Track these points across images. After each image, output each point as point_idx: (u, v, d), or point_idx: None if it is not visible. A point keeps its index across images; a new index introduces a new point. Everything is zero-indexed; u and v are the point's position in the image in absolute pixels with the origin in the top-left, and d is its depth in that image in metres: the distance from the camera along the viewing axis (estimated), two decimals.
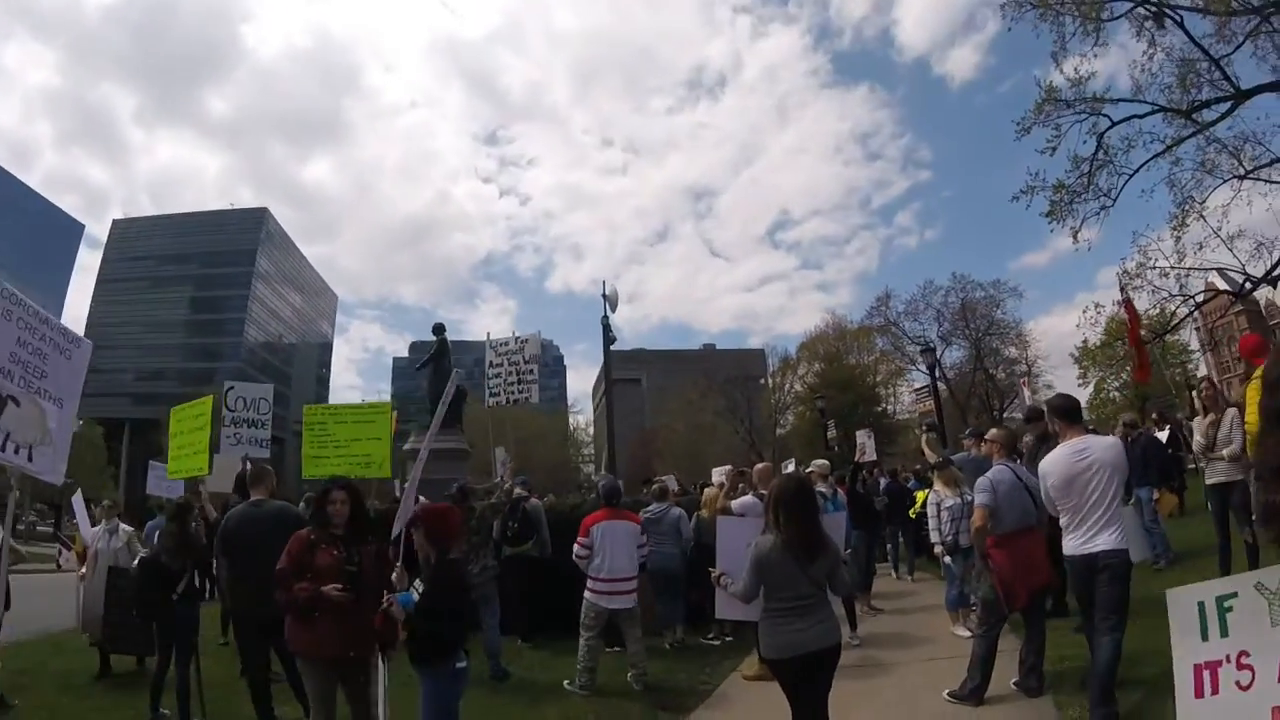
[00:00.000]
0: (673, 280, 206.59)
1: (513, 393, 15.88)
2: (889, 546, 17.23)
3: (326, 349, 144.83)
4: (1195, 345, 53.38)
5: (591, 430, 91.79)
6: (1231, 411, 8.21)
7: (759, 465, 10.27)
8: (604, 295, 20.96)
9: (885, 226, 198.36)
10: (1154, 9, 19.57)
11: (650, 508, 10.55)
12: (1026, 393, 27.09)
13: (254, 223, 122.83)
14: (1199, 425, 8.61)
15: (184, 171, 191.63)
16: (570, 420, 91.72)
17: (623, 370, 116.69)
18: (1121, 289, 19.19)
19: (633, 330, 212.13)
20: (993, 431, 7.97)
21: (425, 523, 5.17)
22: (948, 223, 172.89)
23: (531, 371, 15.83)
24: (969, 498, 8.55)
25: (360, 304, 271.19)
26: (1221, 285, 24.01)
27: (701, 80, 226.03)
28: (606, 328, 21.12)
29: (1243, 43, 19.48)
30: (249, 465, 10.24)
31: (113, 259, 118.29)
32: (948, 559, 9.56)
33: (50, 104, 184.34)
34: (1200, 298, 22.66)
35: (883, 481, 19.31)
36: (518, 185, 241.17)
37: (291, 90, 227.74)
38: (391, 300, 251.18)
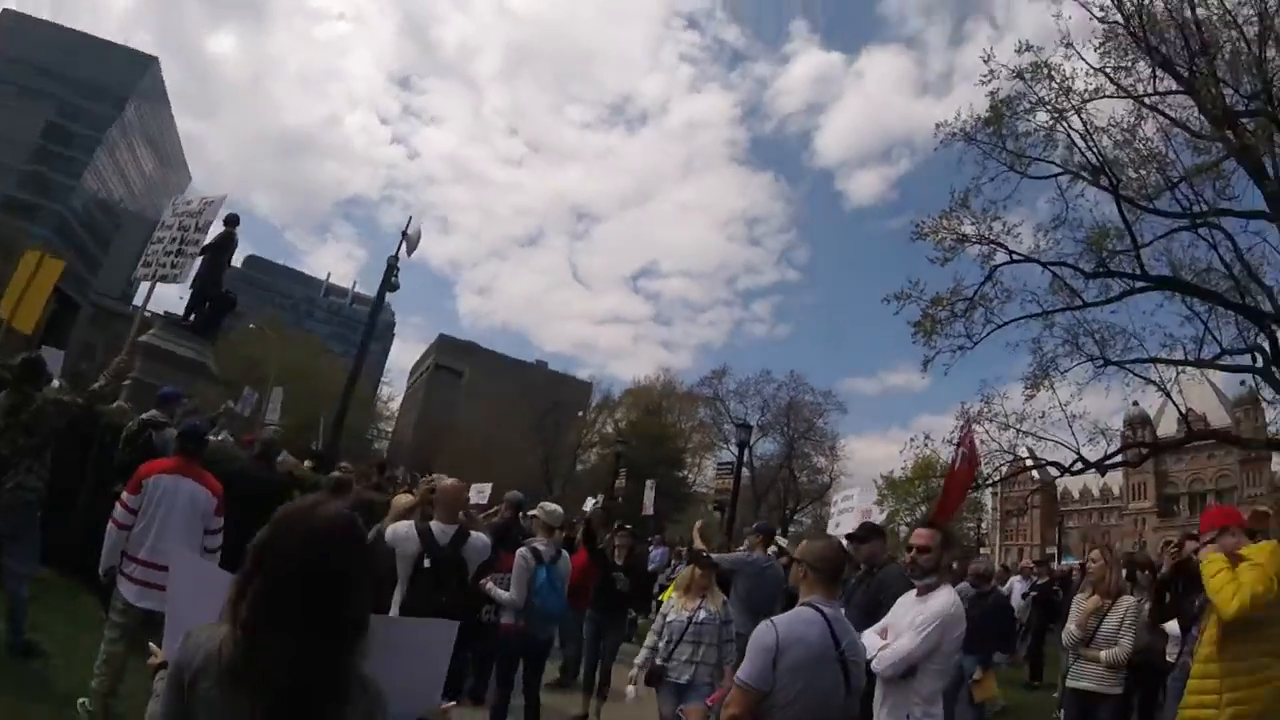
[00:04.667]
0: (529, 288, 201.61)
1: (164, 267, 11.11)
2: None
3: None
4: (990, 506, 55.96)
5: (395, 405, 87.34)
6: (1127, 602, 6.56)
7: (447, 482, 6.75)
8: (404, 233, 18.52)
9: (743, 309, 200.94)
10: (1090, 176, 20.05)
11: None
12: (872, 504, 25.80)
13: (139, 69, 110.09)
14: (1079, 606, 6.79)
15: None
16: (383, 391, 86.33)
17: (449, 357, 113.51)
18: (965, 429, 18.32)
19: (474, 321, 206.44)
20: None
21: None
22: (800, 326, 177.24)
23: (196, 243, 11.24)
24: (713, 617, 6.62)
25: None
26: (1030, 462, 23.84)
27: (625, 109, 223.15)
28: (392, 267, 18.58)
29: (1161, 237, 20.28)
30: None
31: None
32: (630, 689, 6.90)
33: None
34: (1029, 461, 23.07)
35: (654, 552, 17.66)
36: (412, 138, 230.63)
37: None
38: (243, 205, 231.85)
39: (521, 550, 7.03)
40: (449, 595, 5.51)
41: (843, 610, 6.15)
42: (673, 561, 16.80)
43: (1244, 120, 18.50)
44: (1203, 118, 19.19)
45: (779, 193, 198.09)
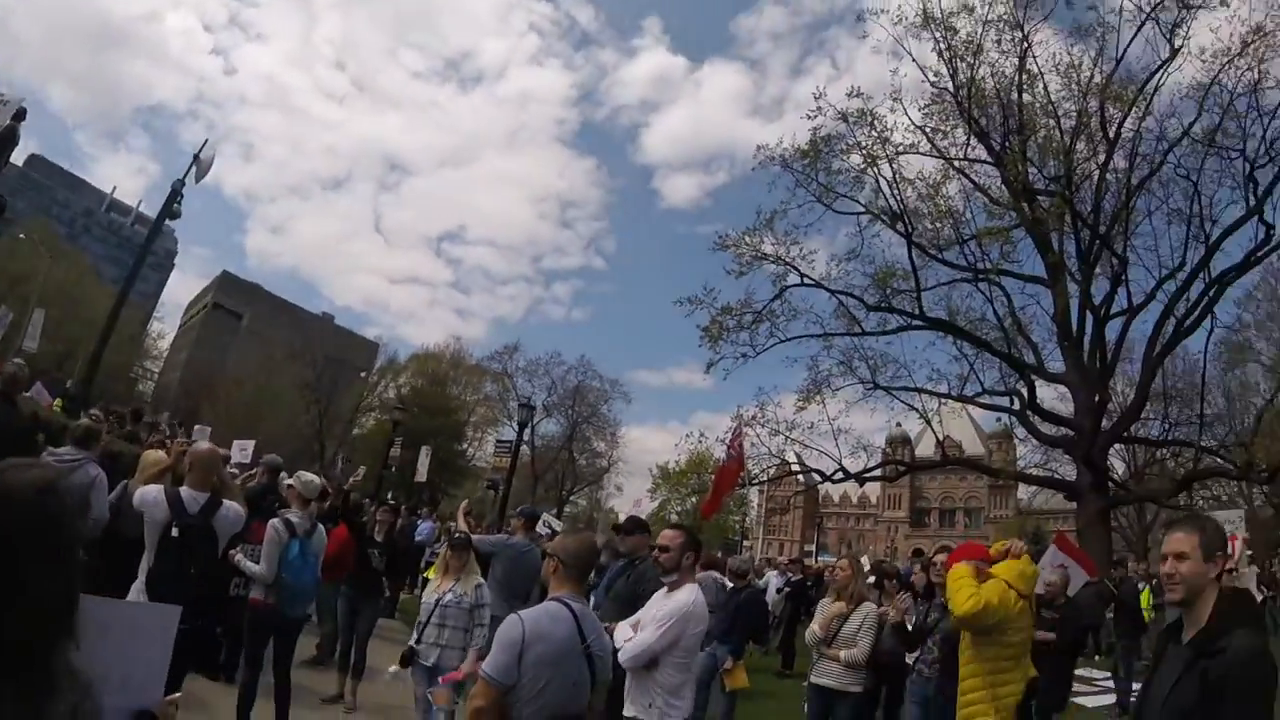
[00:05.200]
0: (326, 233, 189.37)
1: None
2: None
3: None
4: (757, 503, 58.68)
5: (165, 344, 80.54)
6: (868, 608, 6.96)
7: (202, 446, 6.00)
8: (196, 155, 16.96)
9: (544, 288, 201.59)
10: (889, 220, 21.81)
11: (64, 450, 6.66)
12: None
13: None
14: (823, 610, 7.18)
15: None
16: (153, 326, 78.71)
17: (230, 297, 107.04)
18: (737, 431, 19.47)
19: (262, 261, 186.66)
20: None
21: None
22: (597, 313, 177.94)
23: None
24: (459, 599, 6.47)
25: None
26: (795, 467, 25.65)
27: (462, 66, 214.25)
28: (176, 193, 16.99)
29: (944, 284, 22.77)
30: None
31: None
32: (392, 669, 6.69)
33: None
34: (796, 466, 24.97)
35: (422, 525, 17.17)
36: (233, 52, 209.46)
37: None
38: (36, 95, 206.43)
39: (274, 522, 6.63)
40: (198, 566, 5.21)
41: (604, 597, 6.26)
42: (441, 536, 16.39)
43: (1041, 198, 20.82)
44: (1004, 188, 21.36)
45: (598, 180, 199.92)
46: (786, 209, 22.08)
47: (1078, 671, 13.20)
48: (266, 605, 6.45)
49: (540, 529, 11.88)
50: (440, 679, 6.07)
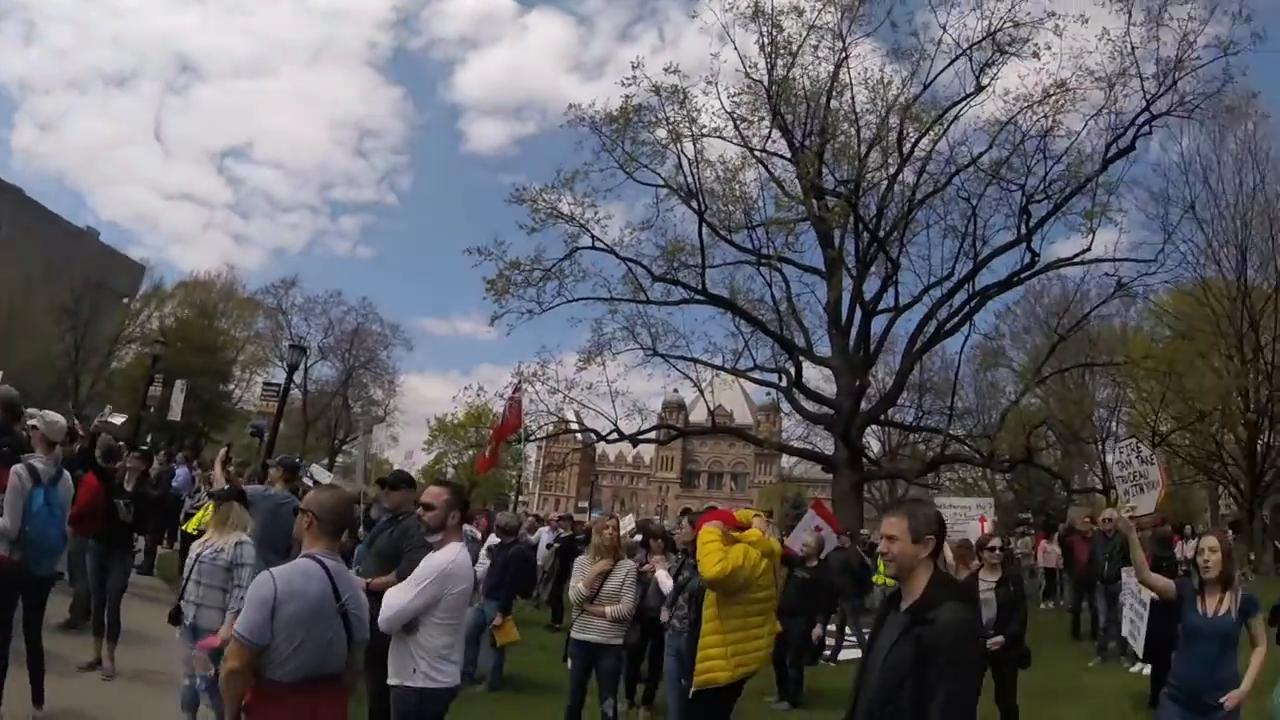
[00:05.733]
0: (99, 135, 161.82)
1: None
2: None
3: None
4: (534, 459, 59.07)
5: None
6: (628, 565, 7.29)
7: None
8: None
9: (329, 220, 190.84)
10: (684, 197, 22.64)
11: None
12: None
13: None
14: (582, 567, 7.35)
15: None
16: None
17: None
18: (517, 387, 20.17)
19: (26, 162, 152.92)
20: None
21: None
22: (385, 252, 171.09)
23: None
24: (214, 555, 6.01)
25: None
26: (574, 425, 26.69)
27: None
28: None
29: (729, 264, 24.04)
30: None
31: None
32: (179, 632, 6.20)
33: None
34: (574, 425, 26.04)
35: (178, 471, 16.08)
36: None
37: None
38: None
39: (17, 468, 5.94)
40: None
41: (366, 551, 6.22)
42: (201, 487, 14.95)
43: (829, 197, 22.04)
44: (797, 183, 22.50)
45: (403, 112, 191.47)
46: (589, 171, 22.41)
47: (830, 628, 14.48)
48: (11, 563, 5.81)
49: (306, 480, 11.50)
50: (197, 644, 5.70)
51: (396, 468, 21.61)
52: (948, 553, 7.70)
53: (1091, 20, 20.87)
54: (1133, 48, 20.11)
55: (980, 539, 9.08)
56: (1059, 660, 11.49)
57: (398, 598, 4.30)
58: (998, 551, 7.99)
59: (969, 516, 14.77)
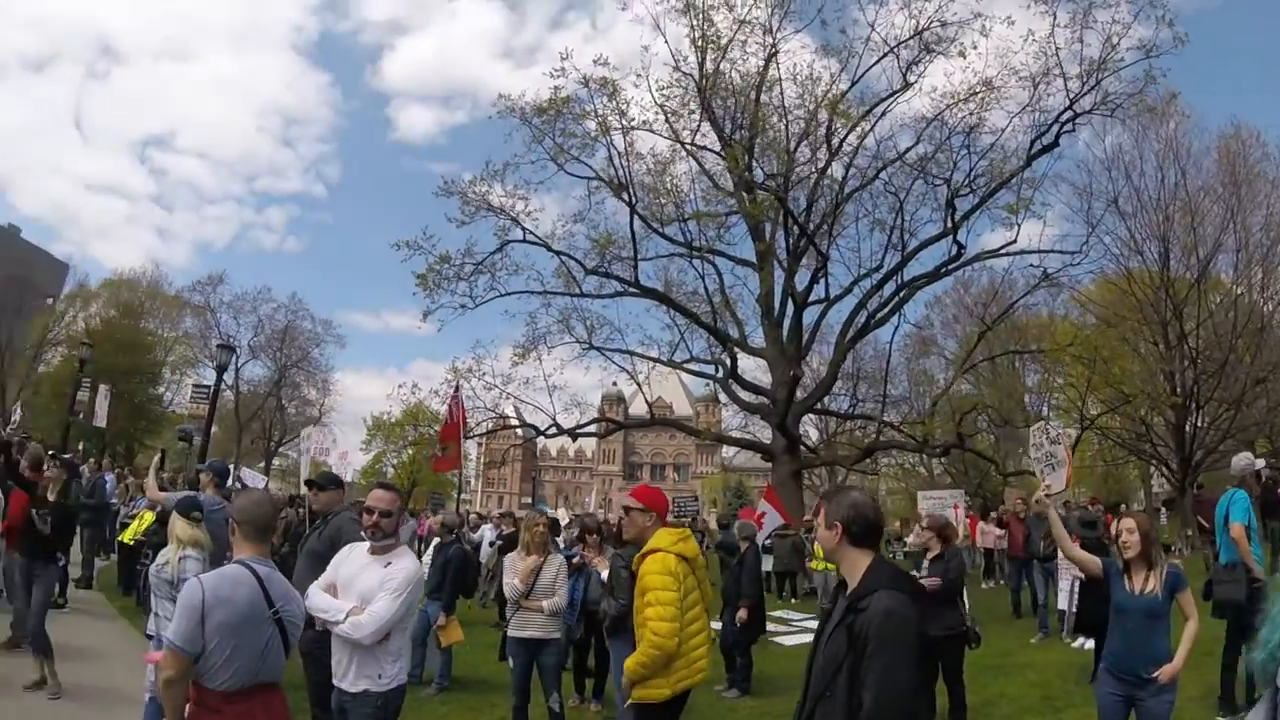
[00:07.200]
0: (19, 124, 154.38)
1: None
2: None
3: None
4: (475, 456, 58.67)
5: None
6: (558, 559, 7.37)
7: None
8: None
9: (255, 212, 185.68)
10: (615, 189, 22.58)
11: None
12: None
13: None
14: (514, 565, 7.22)
15: None
16: None
17: None
18: (457, 386, 20.12)
19: None
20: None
21: None
22: (313, 245, 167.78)
23: None
24: (160, 567, 5.86)
25: None
26: (513, 421, 27.28)
27: None
28: None
29: (662, 257, 24.38)
30: None
31: None
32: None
33: None
34: (515, 420, 26.40)
35: (105, 477, 15.73)
36: None
37: None
38: None
39: None
40: None
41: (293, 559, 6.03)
42: (134, 495, 14.64)
43: (759, 191, 22.21)
44: (728, 176, 22.71)
45: (330, 100, 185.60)
46: (520, 163, 22.39)
47: (777, 613, 14.67)
48: None
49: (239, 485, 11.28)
50: (146, 658, 5.54)
51: (325, 469, 21.42)
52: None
53: (1018, 22, 21.53)
54: (1057, 49, 20.73)
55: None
56: (1001, 638, 11.74)
57: (380, 609, 4.24)
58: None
59: (945, 505, 18.66)
